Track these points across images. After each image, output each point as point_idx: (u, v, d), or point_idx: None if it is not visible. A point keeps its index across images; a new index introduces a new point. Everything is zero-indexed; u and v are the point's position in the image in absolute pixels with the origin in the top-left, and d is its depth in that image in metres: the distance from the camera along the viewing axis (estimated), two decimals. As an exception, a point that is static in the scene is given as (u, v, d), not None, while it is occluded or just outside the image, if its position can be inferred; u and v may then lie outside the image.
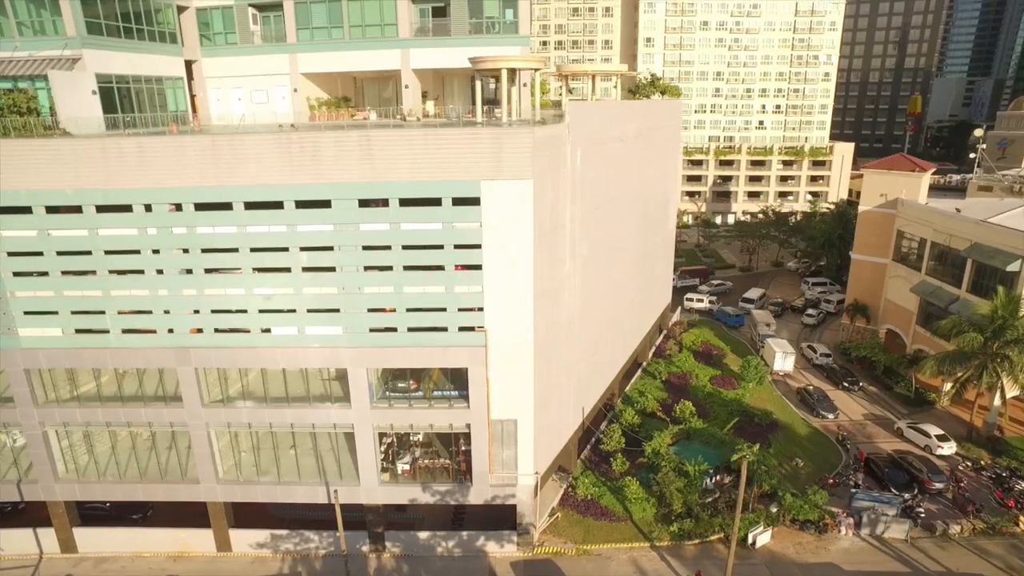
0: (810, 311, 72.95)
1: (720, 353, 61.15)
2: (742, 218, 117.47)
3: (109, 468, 36.74)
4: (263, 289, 32.12)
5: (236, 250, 31.54)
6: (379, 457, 35.71)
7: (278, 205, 30.75)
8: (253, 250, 31.50)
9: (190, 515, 37.73)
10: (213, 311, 32.64)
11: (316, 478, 36.07)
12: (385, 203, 30.51)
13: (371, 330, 32.63)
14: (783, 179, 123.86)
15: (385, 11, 41.72)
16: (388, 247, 31.15)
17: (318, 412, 34.69)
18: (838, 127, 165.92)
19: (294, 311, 32.41)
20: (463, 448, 35.85)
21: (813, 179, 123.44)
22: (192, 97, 44.52)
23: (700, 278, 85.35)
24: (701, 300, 75.38)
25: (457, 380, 34.71)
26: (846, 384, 55.82)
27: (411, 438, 37.78)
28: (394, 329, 32.65)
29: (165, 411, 34.86)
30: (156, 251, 31.72)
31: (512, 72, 35.11)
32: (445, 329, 32.49)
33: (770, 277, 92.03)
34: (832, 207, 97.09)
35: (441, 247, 31.11)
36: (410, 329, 32.59)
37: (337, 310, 32.29)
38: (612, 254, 45.07)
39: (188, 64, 44.30)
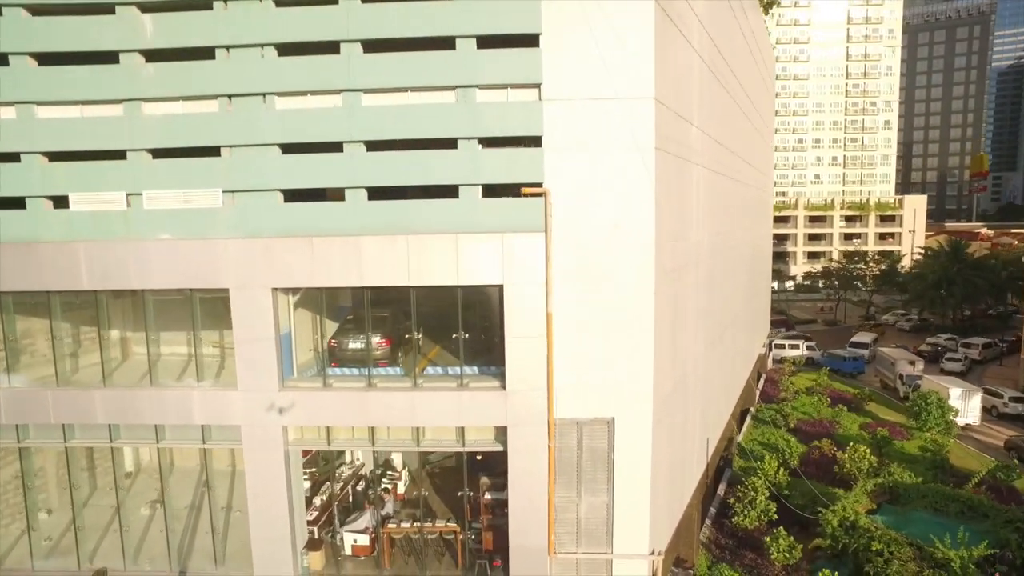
0: (952, 355, 53.69)
1: (859, 397, 41.76)
2: (801, 281, 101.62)
3: None
4: (58, 108, 14.62)
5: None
6: (300, 511, 16.33)
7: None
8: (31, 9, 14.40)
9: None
10: (-53, 158, 15.01)
11: (164, 565, 16.55)
12: None
13: (287, 198, 14.64)
14: (846, 237, 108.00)
15: None
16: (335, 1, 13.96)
17: (166, 399, 15.79)
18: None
19: (124, 157, 14.64)
20: (487, 496, 16.50)
21: (881, 237, 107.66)
22: None
23: (784, 328, 68.98)
24: (796, 346, 57.52)
25: (479, 333, 16.04)
26: (1077, 439, 35.84)
27: (378, 472, 18.56)
28: (340, 195, 14.64)
29: None
30: None
31: None
32: (455, 192, 14.42)
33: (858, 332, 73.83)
34: (928, 249, 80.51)
35: (450, -7, 13.79)
36: (373, 194, 14.57)
37: (217, 151, 14.51)
38: (728, 234, 27.14)
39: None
